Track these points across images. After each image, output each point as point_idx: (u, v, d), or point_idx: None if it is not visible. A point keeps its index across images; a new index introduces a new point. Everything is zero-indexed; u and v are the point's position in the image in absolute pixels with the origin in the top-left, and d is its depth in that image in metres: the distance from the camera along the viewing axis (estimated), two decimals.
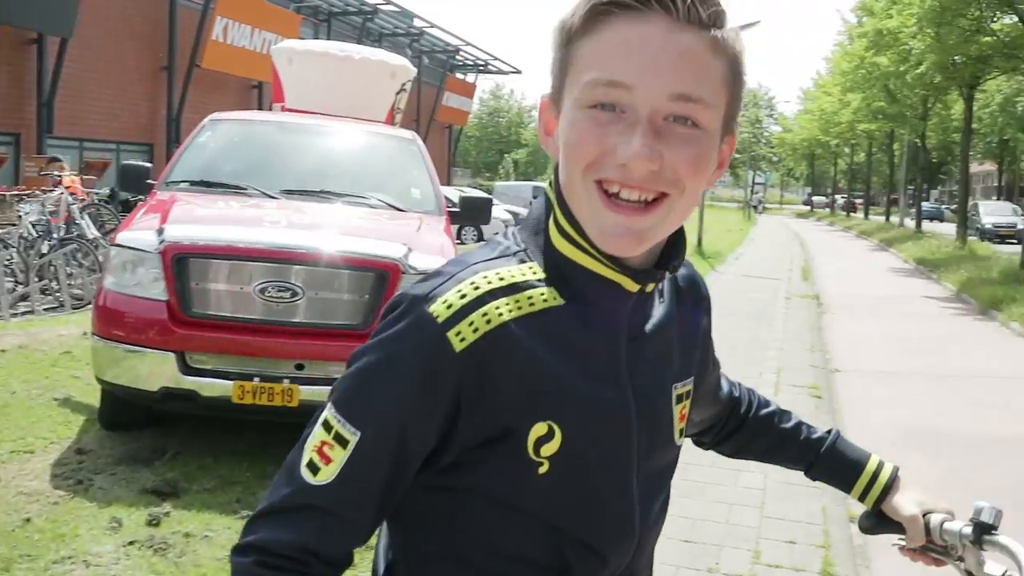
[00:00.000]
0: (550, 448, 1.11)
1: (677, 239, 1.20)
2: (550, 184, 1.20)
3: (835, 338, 12.60)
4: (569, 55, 1.11)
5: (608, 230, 1.09)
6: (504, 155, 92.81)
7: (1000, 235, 42.43)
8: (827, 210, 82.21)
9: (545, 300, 1.12)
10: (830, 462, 1.60)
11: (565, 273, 1.14)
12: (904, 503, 1.54)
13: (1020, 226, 41.49)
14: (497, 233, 1.27)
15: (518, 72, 50.92)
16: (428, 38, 40.06)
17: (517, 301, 1.10)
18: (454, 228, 7.10)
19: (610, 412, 1.16)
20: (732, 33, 1.09)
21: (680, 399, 1.29)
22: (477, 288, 1.09)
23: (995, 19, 21.49)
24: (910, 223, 44.31)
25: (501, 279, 1.11)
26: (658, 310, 1.25)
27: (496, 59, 46.77)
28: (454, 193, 20.42)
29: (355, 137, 7.48)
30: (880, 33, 26.89)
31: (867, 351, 11.75)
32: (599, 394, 1.14)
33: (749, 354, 10.54)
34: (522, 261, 1.14)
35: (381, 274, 5.35)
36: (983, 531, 1.44)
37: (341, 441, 1.09)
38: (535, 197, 1.29)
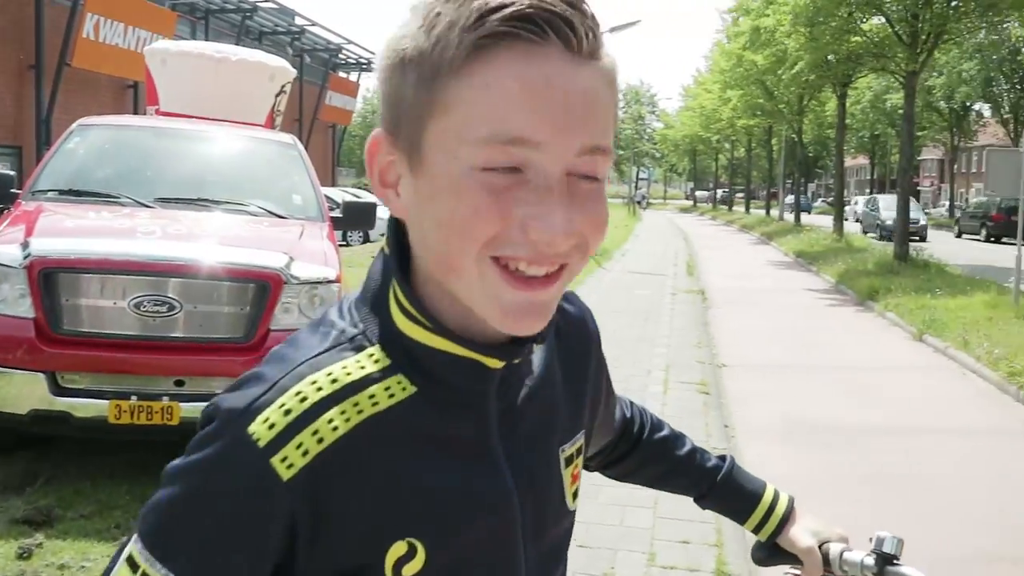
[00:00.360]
0: (412, 568, 0.93)
1: None
2: (387, 243, 0.99)
3: (721, 333, 12.82)
4: (437, 97, 0.86)
5: (512, 309, 0.89)
6: None
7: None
8: (710, 204, 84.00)
9: (392, 396, 0.92)
10: (725, 492, 1.50)
11: (413, 356, 0.95)
12: (800, 534, 1.48)
13: (923, 222, 37.99)
14: (332, 307, 1.02)
15: None
16: (309, 36, 39.35)
17: (356, 405, 0.91)
18: (338, 233, 6.94)
19: (484, 505, 0.97)
20: (613, 59, 0.92)
21: (570, 460, 1.12)
22: (304, 400, 0.89)
23: (864, 20, 22.21)
24: (789, 216, 45.55)
25: (334, 382, 0.90)
26: (535, 368, 1.07)
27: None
28: (339, 195, 20.14)
29: (233, 142, 7.23)
30: (757, 32, 27.56)
31: (752, 345, 11.99)
32: (468, 488, 0.96)
33: (637, 352, 10.63)
34: (360, 348, 0.94)
35: (262, 285, 5.18)
36: (886, 562, 1.42)
37: None
38: (375, 257, 1.03)
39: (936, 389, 9.79)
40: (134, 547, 0.91)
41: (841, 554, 1.46)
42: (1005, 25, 26.41)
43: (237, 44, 19.46)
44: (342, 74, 44.74)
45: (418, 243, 0.94)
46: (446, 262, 0.90)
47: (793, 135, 44.32)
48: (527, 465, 1.02)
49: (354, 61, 44.95)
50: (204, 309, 5.13)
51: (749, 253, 30.13)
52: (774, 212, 49.91)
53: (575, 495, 1.15)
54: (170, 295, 5.07)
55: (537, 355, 1.08)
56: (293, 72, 9.29)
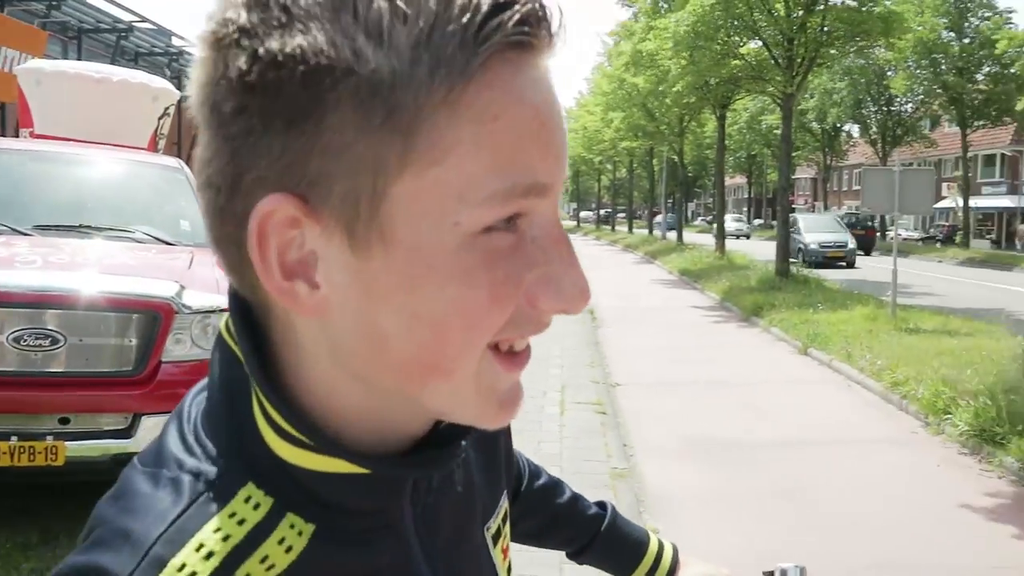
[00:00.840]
0: None
1: None
2: (230, 337, 0.70)
3: (612, 352, 12.91)
4: (416, 142, 0.58)
5: (506, 398, 0.69)
6: None
7: (829, 257, 33.66)
8: (593, 225, 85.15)
9: (289, 548, 0.65)
10: (609, 543, 1.33)
11: (303, 487, 0.68)
12: None
13: (851, 245, 35.01)
14: (168, 433, 0.71)
15: None
16: (188, 57, 38.59)
17: (267, 559, 0.64)
18: None
19: None
20: None
21: (497, 536, 0.92)
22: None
23: (743, 44, 22.85)
24: (672, 236, 46.44)
25: (210, 556, 0.62)
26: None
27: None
28: None
29: (115, 166, 6.94)
30: (639, 55, 28.07)
31: (643, 363, 12.11)
32: None
33: (532, 374, 10.56)
34: (229, 495, 0.65)
35: (152, 316, 4.94)
36: None
37: None
38: (212, 352, 0.73)
39: (824, 401, 10.04)
40: None
41: None
42: (872, 50, 27.46)
43: (112, 65, 18.88)
44: None
45: (352, 347, 0.65)
46: (427, 367, 0.64)
47: (674, 156, 45.31)
48: (454, 566, 0.81)
49: None
50: (90, 342, 4.86)
51: (634, 272, 30.57)
52: (657, 232, 50.84)
53: (509, 568, 0.96)
54: (53, 328, 4.79)
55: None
56: (177, 94, 9.03)
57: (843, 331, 13.23)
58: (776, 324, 15.21)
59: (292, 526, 0.66)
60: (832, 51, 21.72)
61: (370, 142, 0.58)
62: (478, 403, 0.67)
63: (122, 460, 4.76)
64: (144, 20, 32.53)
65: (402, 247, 0.60)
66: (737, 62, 22.67)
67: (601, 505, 1.35)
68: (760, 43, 22.00)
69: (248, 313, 0.69)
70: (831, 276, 23.21)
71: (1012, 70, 41.48)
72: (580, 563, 1.35)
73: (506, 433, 1.00)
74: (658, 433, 8.44)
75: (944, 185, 55.81)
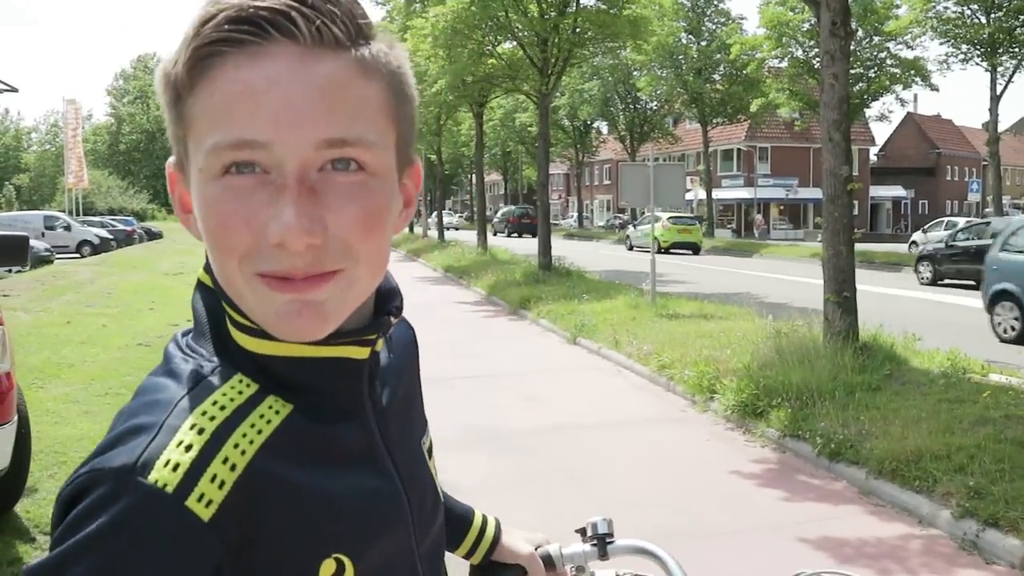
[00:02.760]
0: None
1: (384, 280, 1.01)
2: (207, 271, 0.94)
3: None
4: (182, 114, 0.85)
5: (282, 311, 0.84)
6: (4, 182, 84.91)
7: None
8: None
9: (276, 413, 0.87)
10: None
11: (275, 374, 0.90)
12: (517, 544, 1.53)
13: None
14: (170, 347, 0.94)
15: (14, 90, 46.47)
16: None
17: (254, 426, 0.85)
18: None
19: (386, 511, 0.95)
20: (384, 46, 0.89)
21: (430, 452, 1.14)
22: (202, 431, 0.82)
23: (498, 43, 23.36)
24: (432, 233, 46.79)
25: (222, 408, 0.84)
26: (387, 368, 1.05)
27: None
28: None
29: None
30: None
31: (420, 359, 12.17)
32: (371, 496, 0.93)
33: None
34: (225, 379, 0.88)
35: None
36: (604, 542, 1.55)
37: None
38: (194, 290, 0.98)
39: (596, 387, 10.46)
40: None
41: (560, 550, 1.56)
42: (620, 51, 28.73)
43: None
44: None
45: (215, 271, 0.90)
46: (226, 280, 0.87)
47: (432, 155, 45.63)
48: (407, 465, 1.01)
49: None
50: None
51: (398, 270, 30.57)
52: (418, 229, 51.09)
53: (438, 488, 1.15)
54: None
55: (387, 362, 1.06)
56: None
57: (608, 320, 13.81)
58: (544, 316, 15.68)
59: (271, 406, 0.88)
60: (584, 52, 22.57)
61: (170, 118, 0.88)
62: (260, 311, 0.86)
63: None
64: None
65: (194, 183, 0.86)
66: (493, 61, 23.16)
67: None
68: (515, 43, 22.58)
69: None
70: (589, 267, 24.10)
71: (744, 72, 44.43)
72: None
73: (419, 380, 1.20)
74: (440, 426, 8.42)
75: (688, 179, 59.13)
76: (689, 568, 1.55)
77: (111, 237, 43.06)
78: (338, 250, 0.84)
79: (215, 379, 0.88)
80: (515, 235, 55.05)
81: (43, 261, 28.35)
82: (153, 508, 0.77)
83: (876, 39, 37.22)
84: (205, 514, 0.79)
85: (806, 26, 35.59)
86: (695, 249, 39.66)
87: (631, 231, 44.53)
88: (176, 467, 0.79)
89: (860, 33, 35.38)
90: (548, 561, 1.53)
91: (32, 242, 26.29)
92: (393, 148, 0.90)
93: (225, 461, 0.81)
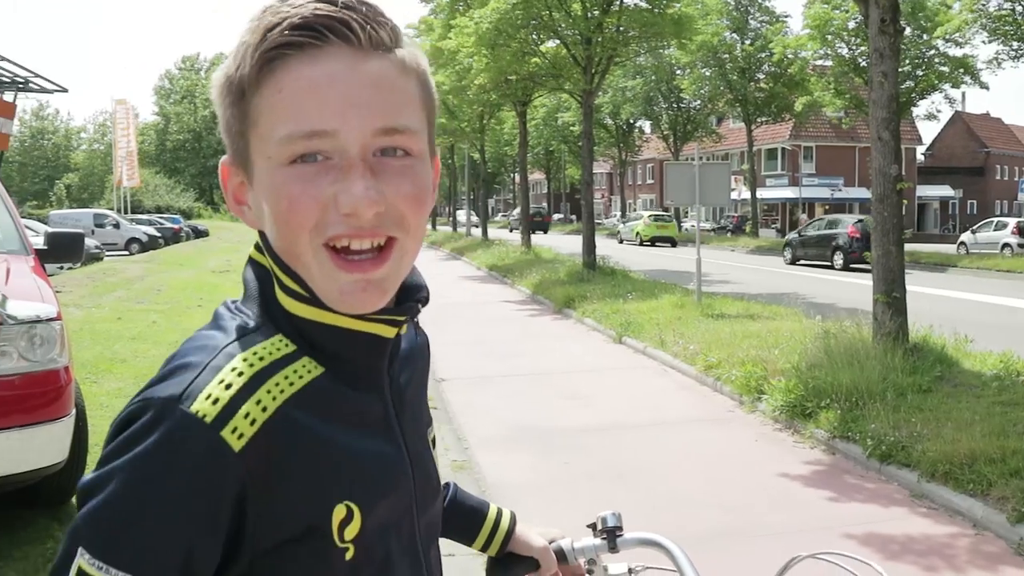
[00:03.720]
0: (352, 530, 1.00)
1: (411, 274, 1.14)
2: (259, 250, 1.07)
3: (433, 347, 12.78)
4: (247, 112, 0.99)
5: (347, 288, 0.99)
6: (54, 181, 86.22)
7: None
8: None
9: (309, 372, 1.00)
10: (453, 514, 1.54)
11: (312, 339, 1.03)
12: (531, 537, 1.59)
13: None
14: (220, 308, 1.08)
15: (64, 91, 47.24)
16: None
17: (286, 378, 0.98)
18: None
19: (394, 475, 1.08)
20: (413, 49, 1.04)
21: (434, 444, 1.25)
22: (241, 374, 0.95)
23: (541, 42, 23.36)
24: (476, 232, 46.86)
25: (262, 359, 0.98)
26: (403, 359, 1.17)
27: (38, 76, 43.11)
28: (37, 225, 18.52)
29: None
30: (439, 52, 28.17)
31: (464, 357, 12.22)
32: (382, 459, 1.06)
33: None
34: (266, 336, 1.01)
35: None
36: (614, 536, 1.60)
37: None
38: (245, 266, 1.11)
39: (642, 386, 10.44)
40: (82, 560, 0.89)
41: (572, 544, 1.61)
42: (664, 50, 28.62)
43: None
44: None
45: (272, 242, 1.03)
46: (288, 253, 1.01)
47: (475, 153, 45.73)
48: (414, 444, 1.13)
49: (8, 80, 41.44)
50: None
51: (443, 269, 30.69)
52: (461, 228, 51.22)
53: (440, 478, 1.26)
54: None
55: (403, 353, 1.17)
56: None
57: (654, 319, 13.77)
58: (589, 315, 15.66)
59: (304, 365, 1.00)
60: (628, 51, 22.51)
61: (233, 116, 1.00)
62: (324, 286, 1.00)
63: None
64: None
65: (257, 179, 1.01)
66: (536, 60, 23.16)
67: (445, 485, 1.54)
68: (558, 42, 22.57)
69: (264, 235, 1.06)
70: (637, 268, 24.03)
71: (788, 71, 43.99)
72: None
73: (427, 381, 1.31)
74: (487, 424, 8.57)
75: (732, 178, 58.72)
76: (738, 569, 1.55)
77: (159, 235, 43.61)
78: (395, 219, 0.99)
79: (258, 335, 1.01)
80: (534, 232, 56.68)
81: (93, 258, 28.75)
82: (191, 434, 0.91)
83: (925, 37, 36.72)
84: (236, 445, 0.92)
85: (852, 24, 35.16)
86: (672, 242, 46.12)
87: (621, 227, 51.74)
88: (215, 401, 0.92)
89: (908, 31, 34.94)
90: (561, 555, 1.60)
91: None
92: (427, 137, 1.05)
93: (258, 403, 0.94)
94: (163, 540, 0.90)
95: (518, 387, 10.33)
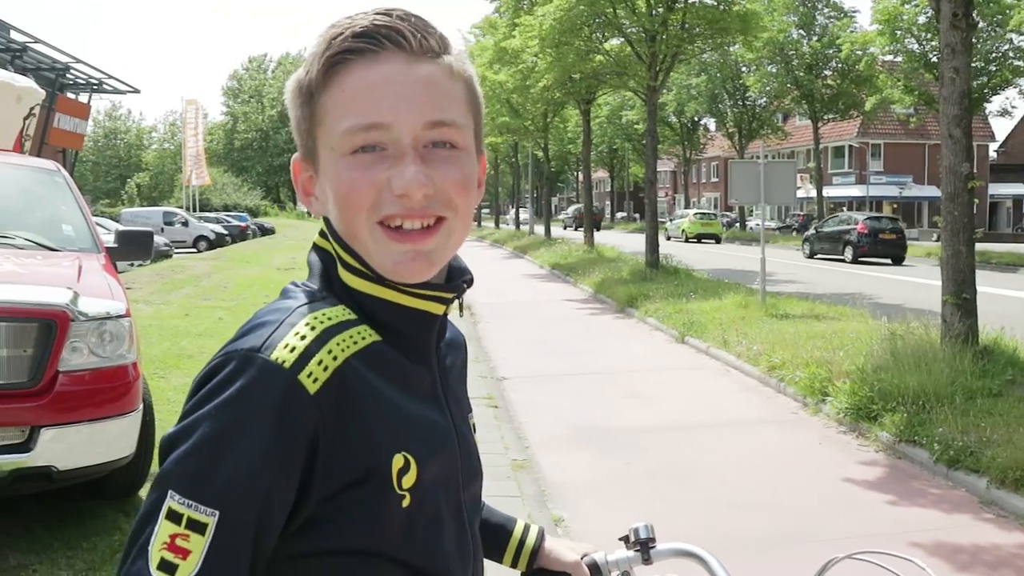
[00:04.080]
0: (409, 479, 1.09)
1: (456, 259, 1.25)
2: (323, 236, 1.20)
3: (494, 346, 13.00)
4: (315, 111, 1.13)
5: (399, 259, 1.11)
6: (126, 180, 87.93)
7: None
8: None
9: (370, 335, 1.12)
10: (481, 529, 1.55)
11: (370, 311, 1.14)
12: (563, 552, 1.60)
13: None
14: (287, 287, 1.21)
15: (136, 91, 48.07)
16: (32, 54, 36.80)
17: (351, 337, 1.09)
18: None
19: (444, 439, 1.17)
20: (461, 57, 1.17)
21: (474, 429, 1.34)
22: (314, 328, 1.07)
23: (606, 40, 23.26)
24: (539, 230, 46.83)
25: (329, 319, 1.09)
26: (448, 345, 1.29)
27: (111, 77, 43.91)
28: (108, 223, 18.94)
29: None
30: (504, 51, 28.21)
31: (525, 356, 12.23)
32: (434, 421, 1.16)
33: None
34: (333, 304, 1.13)
35: (47, 324, 4.74)
36: (647, 547, 1.58)
37: (197, 528, 0.98)
38: (310, 251, 1.24)
39: (705, 387, 10.35)
40: (172, 501, 0.99)
41: (606, 558, 1.59)
42: (730, 47, 28.31)
43: None
44: (71, 95, 42.11)
45: (335, 225, 1.16)
46: (348, 233, 1.13)
47: (538, 151, 45.68)
48: (457, 420, 1.23)
49: (84, 81, 42.38)
50: None
51: (506, 267, 30.75)
52: (524, 227, 51.23)
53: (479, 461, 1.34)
54: None
55: (448, 335, 1.31)
56: (42, 93, 8.67)
57: (717, 319, 13.64)
58: (651, 314, 15.56)
59: (366, 329, 1.12)
60: (693, 48, 22.32)
61: (303, 115, 1.15)
62: (380, 258, 1.12)
63: (22, 475, 4.60)
64: None
65: (322, 168, 1.15)
66: (601, 58, 23.07)
67: None
68: (623, 39, 22.46)
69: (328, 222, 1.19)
70: (701, 267, 23.84)
71: (857, 67, 43.26)
72: None
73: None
74: (548, 423, 8.57)
75: (798, 176, 57.97)
76: (800, 575, 1.54)
77: (226, 232, 44.31)
78: (443, 201, 1.11)
79: (324, 303, 1.13)
80: (577, 229, 58.61)
81: (162, 255, 29.31)
82: (272, 379, 1.01)
83: (998, 31, 35.82)
84: (312, 388, 1.02)
85: (922, 19, 34.44)
86: (716, 239, 49.23)
87: (668, 224, 53.75)
88: (292, 349, 1.04)
89: (981, 25, 34.12)
90: (595, 569, 1.59)
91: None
92: (473, 134, 1.17)
93: (329, 352, 1.05)
94: (247, 477, 0.99)
95: (580, 386, 10.31)
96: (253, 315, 1.13)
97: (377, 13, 1.11)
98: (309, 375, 1.02)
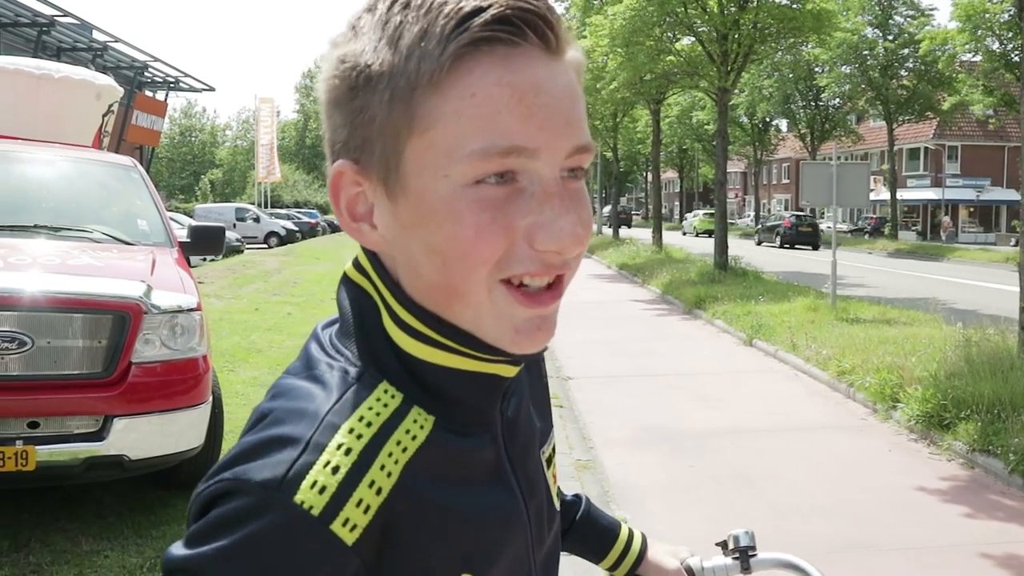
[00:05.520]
0: None
1: None
2: (360, 271, 0.93)
3: (560, 346, 12.96)
4: (414, 114, 0.80)
5: (523, 327, 0.86)
6: (199, 176, 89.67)
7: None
8: None
9: (420, 428, 0.86)
10: (584, 530, 1.49)
11: (423, 380, 0.89)
12: (664, 559, 1.53)
13: None
14: (310, 346, 0.94)
15: (211, 89, 49.05)
16: (112, 53, 37.70)
17: (399, 443, 0.84)
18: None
19: (511, 525, 0.95)
20: (577, 48, 0.88)
21: (549, 462, 1.11)
22: (349, 451, 0.80)
23: (677, 39, 23.11)
24: (607, 230, 46.71)
25: (369, 425, 0.83)
26: (515, 379, 1.03)
27: (187, 76, 44.83)
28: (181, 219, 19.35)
29: (67, 165, 6.78)
30: None
31: (591, 356, 12.18)
32: (497, 509, 0.93)
33: None
34: (371, 387, 0.86)
35: (121, 316, 4.86)
36: (747, 556, 1.53)
37: None
38: (339, 289, 0.97)
39: (772, 390, 10.22)
40: None
41: (702, 564, 1.54)
42: (803, 47, 27.96)
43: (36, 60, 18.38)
44: (148, 93, 43.07)
45: (407, 273, 0.88)
46: (447, 289, 0.85)
47: (608, 151, 45.55)
48: (528, 478, 1.00)
49: (161, 79, 43.36)
50: (58, 344, 4.76)
51: None
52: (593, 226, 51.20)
53: (557, 495, 1.14)
54: (19, 330, 4.68)
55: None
56: (120, 91, 8.85)
57: (786, 322, 13.46)
58: (719, 316, 15.42)
59: (415, 420, 0.86)
60: (766, 47, 22.07)
61: (387, 115, 0.81)
62: (495, 328, 0.85)
63: (95, 464, 4.71)
64: (66, 14, 31.79)
65: (414, 194, 0.82)
66: (672, 58, 22.91)
67: (576, 497, 1.51)
68: (694, 39, 22.29)
69: (374, 256, 0.92)
70: (769, 269, 23.58)
71: (935, 67, 42.42)
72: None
73: (547, 387, 1.18)
74: (613, 424, 8.53)
75: (871, 178, 57.07)
76: None
77: (296, 229, 44.98)
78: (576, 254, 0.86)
79: (361, 389, 0.85)
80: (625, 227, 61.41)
81: (234, 251, 29.80)
82: (298, 530, 0.77)
83: None
84: (349, 539, 0.79)
85: (1005, 16, 33.64)
86: (710, 233, 55.10)
87: (686, 221, 63.49)
88: (323, 490, 0.78)
89: None
90: (691, 574, 1.54)
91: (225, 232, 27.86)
92: None
93: (371, 485, 0.80)
94: None
95: (646, 387, 10.25)
96: (272, 398, 0.87)
97: None
98: (345, 523, 0.79)
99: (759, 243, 49.27)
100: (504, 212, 0.80)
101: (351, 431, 0.81)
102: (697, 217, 63.57)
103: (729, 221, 30.06)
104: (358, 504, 0.79)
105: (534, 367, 1.14)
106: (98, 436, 4.72)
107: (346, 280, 0.94)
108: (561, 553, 1.19)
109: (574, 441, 7.70)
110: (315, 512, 0.77)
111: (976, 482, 6.88)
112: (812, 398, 9.85)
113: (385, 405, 0.85)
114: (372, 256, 0.91)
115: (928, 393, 8.30)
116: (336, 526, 0.78)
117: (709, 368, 11.62)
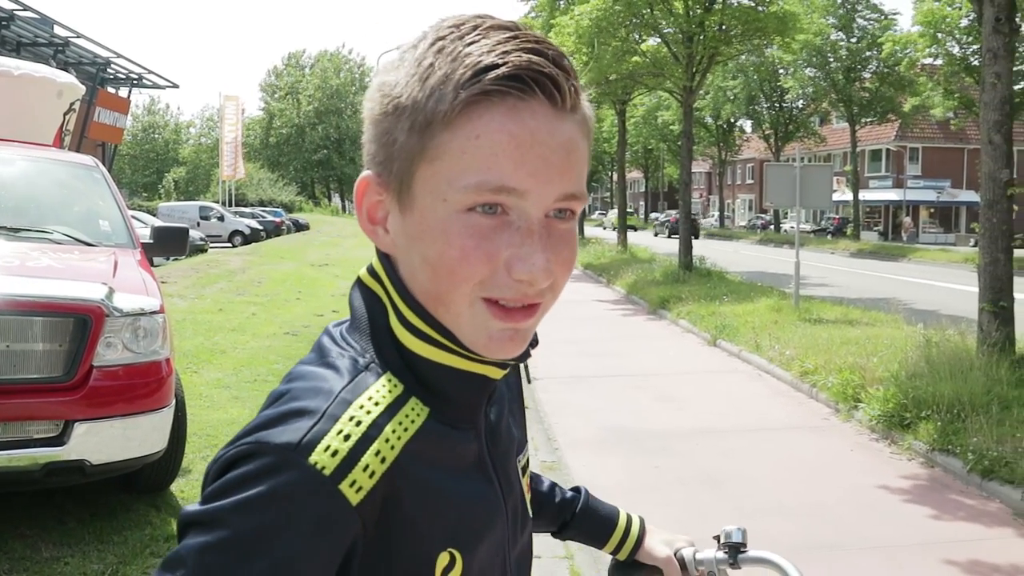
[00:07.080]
0: (454, 575, 1.00)
1: None
2: (371, 274, 1.05)
3: None
4: (427, 145, 0.93)
5: (495, 335, 0.97)
6: (163, 174, 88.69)
7: None
8: None
9: (418, 415, 0.97)
10: (584, 521, 1.63)
11: (421, 375, 1.01)
12: (656, 547, 1.63)
13: None
14: (323, 339, 1.05)
15: (175, 86, 48.54)
16: (74, 49, 37.20)
17: (401, 423, 0.95)
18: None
19: (491, 514, 1.06)
20: (587, 103, 1.00)
21: (524, 471, 1.22)
22: (360, 423, 0.91)
23: (642, 40, 23.19)
24: None
25: (377, 404, 0.94)
26: (498, 389, 1.16)
27: (151, 72, 44.32)
28: (145, 218, 19.13)
29: (26, 164, 6.67)
30: None
31: (556, 356, 12.17)
32: (480, 498, 1.04)
33: None
34: (377, 375, 0.98)
35: (82, 319, 4.79)
36: (736, 551, 1.59)
37: None
38: (352, 288, 1.09)
39: (736, 391, 10.29)
40: None
41: (694, 555, 1.61)
42: (767, 49, 28.16)
43: None
44: (111, 89, 42.55)
45: (408, 276, 1.01)
46: (435, 296, 0.98)
47: None
48: (506, 479, 1.11)
49: (124, 76, 42.79)
50: (17, 348, 4.69)
51: None
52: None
53: (530, 504, 1.24)
54: None
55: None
56: (82, 89, 8.75)
57: (750, 322, 13.56)
58: (684, 316, 15.51)
59: (413, 408, 0.97)
60: (730, 49, 22.20)
61: (406, 141, 0.94)
62: (472, 332, 0.97)
63: (55, 469, 4.64)
64: (26, 8, 31.32)
65: (418, 211, 0.95)
66: (637, 59, 22.99)
67: (576, 490, 1.64)
68: (659, 40, 22.38)
69: (385, 258, 1.04)
70: (735, 269, 23.71)
71: (896, 69, 42.86)
72: (563, 539, 1.65)
73: (522, 402, 1.30)
74: (578, 425, 8.55)
75: (834, 179, 57.56)
76: None
77: (261, 228, 44.60)
78: (551, 285, 0.97)
79: (369, 375, 0.97)
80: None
81: (198, 250, 29.56)
82: (310, 486, 0.87)
83: None
84: (354, 499, 0.89)
85: (964, 22, 34.05)
86: (634, 227, 59.63)
87: (605, 218, 64.37)
88: (335, 453, 0.89)
89: None
90: (681, 563, 1.61)
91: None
92: None
93: (377, 454, 0.91)
94: None
95: (611, 388, 10.29)
96: (289, 381, 0.98)
97: (527, 44, 0.92)
98: (352, 484, 0.89)
99: (656, 234, 61.16)
100: (489, 240, 0.93)
101: (361, 407, 0.93)
102: (608, 217, 70.84)
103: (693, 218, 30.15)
104: (364, 469, 0.89)
105: (515, 384, 1.25)
106: (58, 441, 4.65)
107: (360, 283, 1.07)
108: (561, 555, 1.26)
109: (539, 442, 7.71)
110: (327, 472, 0.87)
111: (936, 481, 6.96)
112: (775, 398, 9.93)
113: (389, 392, 0.96)
114: (385, 260, 1.03)
115: (889, 393, 8.40)
116: (344, 486, 0.88)
117: (674, 368, 11.68)
